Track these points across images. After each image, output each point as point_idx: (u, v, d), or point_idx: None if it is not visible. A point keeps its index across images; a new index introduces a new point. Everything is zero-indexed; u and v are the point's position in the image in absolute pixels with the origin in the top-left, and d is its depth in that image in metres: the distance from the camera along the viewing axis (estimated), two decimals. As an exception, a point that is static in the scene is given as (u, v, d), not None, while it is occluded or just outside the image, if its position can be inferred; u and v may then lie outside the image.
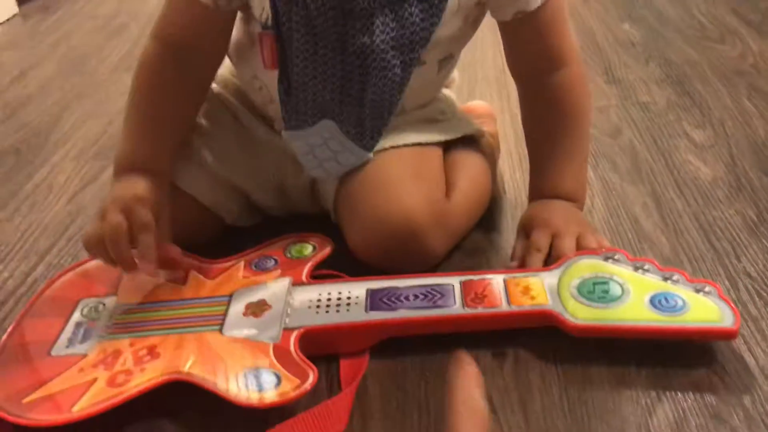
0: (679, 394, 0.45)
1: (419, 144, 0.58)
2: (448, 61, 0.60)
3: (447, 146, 0.61)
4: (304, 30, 0.53)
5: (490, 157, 0.65)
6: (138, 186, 0.55)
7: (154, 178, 0.56)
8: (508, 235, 0.61)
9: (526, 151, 0.72)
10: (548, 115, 0.59)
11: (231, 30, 0.59)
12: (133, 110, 0.59)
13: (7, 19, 1.36)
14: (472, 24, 0.58)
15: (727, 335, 0.47)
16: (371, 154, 0.57)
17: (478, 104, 0.75)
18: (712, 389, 0.45)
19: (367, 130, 0.56)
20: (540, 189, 0.59)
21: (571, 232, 0.55)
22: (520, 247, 0.56)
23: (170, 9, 0.58)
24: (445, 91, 0.66)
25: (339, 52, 0.53)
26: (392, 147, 0.57)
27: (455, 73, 0.68)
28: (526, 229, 0.57)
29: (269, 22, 0.55)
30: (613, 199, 0.65)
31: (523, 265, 0.55)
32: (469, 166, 0.61)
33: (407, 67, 0.54)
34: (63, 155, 0.85)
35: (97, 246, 0.53)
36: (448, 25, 0.55)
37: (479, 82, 0.90)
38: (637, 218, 0.63)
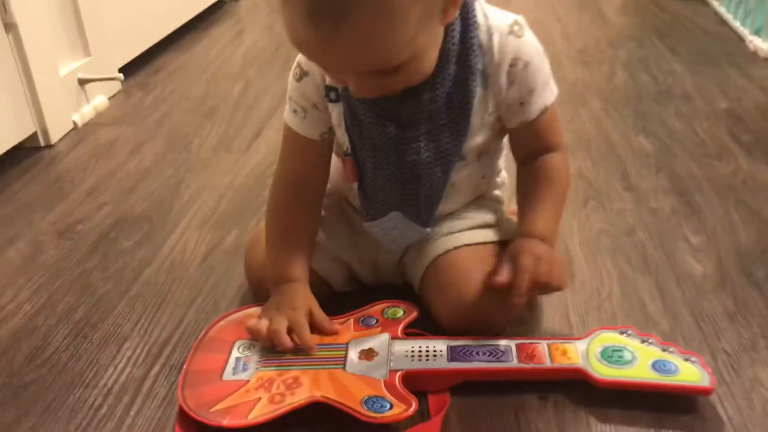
0: (672, 413, 0.65)
1: (484, 243, 0.79)
2: (485, 154, 0.78)
3: (503, 244, 0.80)
4: (373, 155, 0.74)
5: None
6: (293, 296, 0.76)
7: (302, 284, 0.77)
8: (544, 309, 0.81)
9: (558, 242, 0.93)
10: (536, 180, 0.77)
11: (331, 156, 0.81)
12: (273, 238, 0.80)
13: (113, 95, 1.60)
14: (499, 132, 0.77)
15: (706, 392, 0.66)
16: (429, 230, 0.78)
17: (519, 207, 0.95)
18: (694, 430, 0.65)
19: (423, 215, 0.77)
20: (525, 231, 0.76)
21: (545, 261, 0.71)
22: (508, 270, 0.71)
23: (287, 150, 0.80)
24: (498, 194, 0.87)
25: (397, 167, 0.74)
26: (465, 245, 0.78)
27: (505, 175, 0.89)
28: (513, 257, 0.72)
29: (349, 150, 0.76)
30: (627, 288, 0.85)
31: (508, 283, 0.71)
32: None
33: (446, 172, 0.74)
34: (187, 223, 1.06)
35: (263, 337, 0.73)
36: (477, 137, 0.74)
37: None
38: (645, 303, 0.82)
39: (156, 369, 0.77)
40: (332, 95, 0.74)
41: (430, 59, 0.66)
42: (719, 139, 1.22)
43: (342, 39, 0.58)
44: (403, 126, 0.71)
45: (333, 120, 0.76)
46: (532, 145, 0.78)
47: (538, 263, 0.71)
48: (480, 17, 0.71)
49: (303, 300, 0.76)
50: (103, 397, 0.73)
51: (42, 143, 1.35)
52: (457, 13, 0.66)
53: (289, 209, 0.80)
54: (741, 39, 1.71)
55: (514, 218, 0.85)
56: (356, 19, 0.56)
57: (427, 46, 0.65)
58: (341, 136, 0.76)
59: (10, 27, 1.25)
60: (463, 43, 0.69)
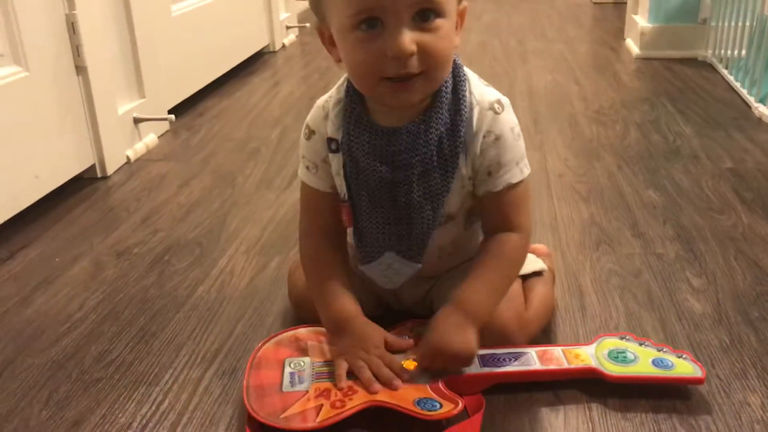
0: (666, 413, 0.75)
1: None
2: (472, 223, 0.86)
3: (524, 278, 0.90)
4: (368, 198, 0.81)
5: (551, 284, 0.95)
6: (362, 335, 0.80)
7: (361, 319, 0.82)
8: (558, 334, 0.91)
9: (572, 279, 1.04)
10: (484, 253, 0.82)
11: None
12: (316, 285, 0.85)
13: (162, 134, 1.73)
14: (471, 195, 0.83)
15: (699, 381, 0.78)
16: (420, 265, 0.85)
17: (539, 246, 1.03)
18: (686, 412, 0.74)
19: (414, 251, 0.84)
20: (452, 297, 0.80)
21: (434, 361, 0.77)
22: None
23: (307, 204, 0.88)
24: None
25: (391, 208, 0.81)
26: None
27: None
28: (430, 326, 0.79)
29: (345, 197, 0.83)
30: (633, 321, 0.94)
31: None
32: (539, 291, 0.90)
33: (435, 209, 0.80)
34: (234, 250, 1.17)
35: (360, 369, 0.77)
36: (458, 200, 0.82)
37: (537, 226, 1.21)
38: (648, 335, 0.90)
39: (210, 372, 0.86)
40: (333, 146, 0.82)
41: (449, 56, 0.75)
42: (723, 195, 1.32)
43: None
44: (398, 168, 0.79)
45: (333, 170, 0.84)
46: (496, 220, 0.82)
47: (440, 351, 0.77)
48: (466, 93, 0.79)
49: (372, 338, 0.81)
50: (164, 394, 0.83)
51: (99, 175, 1.48)
52: (461, 31, 0.77)
53: (321, 255, 0.86)
54: (747, 105, 1.82)
55: (530, 254, 0.96)
56: None
57: (452, 29, 0.74)
58: (339, 184, 0.84)
59: (81, 70, 1.39)
60: (455, 94, 0.78)
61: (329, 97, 0.84)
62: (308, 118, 0.86)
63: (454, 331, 0.78)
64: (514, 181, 0.81)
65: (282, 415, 0.74)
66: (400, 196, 0.80)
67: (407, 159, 0.79)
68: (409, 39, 0.71)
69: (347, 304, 0.83)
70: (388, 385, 0.76)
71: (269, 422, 0.73)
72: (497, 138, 0.79)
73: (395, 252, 0.85)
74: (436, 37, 0.73)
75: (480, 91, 0.81)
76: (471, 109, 0.79)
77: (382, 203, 0.82)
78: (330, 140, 0.83)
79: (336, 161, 0.83)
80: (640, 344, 0.82)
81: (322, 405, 0.75)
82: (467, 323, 0.78)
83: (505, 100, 0.81)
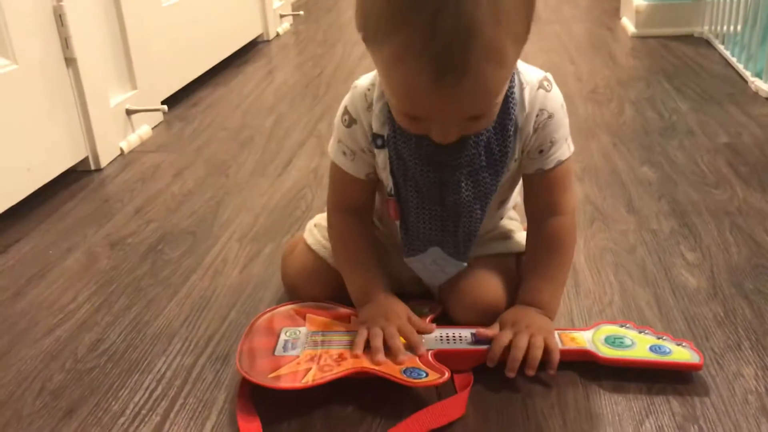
0: (660, 385, 0.74)
1: (501, 254, 0.88)
2: (504, 203, 0.89)
3: (519, 255, 0.90)
4: (416, 196, 0.80)
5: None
6: (391, 305, 0.82)
7: (391, 295, 0.84)
8: (554, 315, 0.91)
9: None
10: (540, 248, 0.83)
11: (376, 187, 0.87)
12: (344, 261, 0.86)
13: (156, 125, 1.73)
14: (514, 182, 0.87)
15: (696, 367, 0.77)
16: (465, 264, 0.85)
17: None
18: (679, 383, 0.73)
19: (461, 249, 0.84)
20: (522, 297, 0.83)
21: (528, 332, 0.78)
22: (494, 331, 0.80)
23: (337, 184, 0.87)
24: (513, 214, 0.97)
25: (439, 206, 0.80)
26: (485, 255, 0.87)
27: (519, 199, 0.99)
28: (510, 322, 0.80)
29: (392, 191, 0.82)
30: (627, 297, 0.94)
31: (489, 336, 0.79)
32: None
33: (484, 208, 0.81)
34: (228, 237, 1.17)
35: (374, 336, 0.78)
36: (509, 169, 0.82)
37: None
38: (643, 310, 0.91)
39: (203, 359, 0.86)
40: (378, 142, 0.80)
41: (500, 100, 0.71)
42: (718, 170, 1.31)
43: (462, 89, 0.64)
44: (445, 170, 0.78)
45: (378, 164, 0.81)
46: (545, 199, 0.83)
47: (515, 336, 0.77)
48: (515, 93, 0.77)
49: (397, 311, 0.82)
50: (157, 381, 0.83)
51: (92, 167, 1.47)
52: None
53: (350, 229, 0.86)
54: (743, 80, 1.81)
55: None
56: (476, 70, 0.63)
57: (504, 90, 0.70)
58: (385, 179, 0.82)
59: (71, 62, 1.39)
60: (503, 98, 0.76)
61: (371, 85, 0.80)
62: (347, 103, 0.82)
63: (533, 314, 0.81)
64: (564, 158, 0.81)
65: (271, 375, 0.75)
66: (448, 196, 0.79)
67: (453, 160, 0.77)
68: (455, 132, 0.70)
69: (375, 277, 0.85)
70: (393, 356, 0.76)
71: (258, 381, 0.75)
72: (550, 116, 0.78)
73: (441, 248, 0.84)
74: (484, 122, 0.71)
75: (525, 69, 0.79)
76: (522, 89, 0.77)
77: (430, 201, 0.80)
78: (376, 136, 0.80)
79: (382, 157, 0.81)
80: (640, 332, 0.81)
81: (310, 368, 0.76)
82: (549, 322, 0.82)
83: (550, 76, 0.80)
